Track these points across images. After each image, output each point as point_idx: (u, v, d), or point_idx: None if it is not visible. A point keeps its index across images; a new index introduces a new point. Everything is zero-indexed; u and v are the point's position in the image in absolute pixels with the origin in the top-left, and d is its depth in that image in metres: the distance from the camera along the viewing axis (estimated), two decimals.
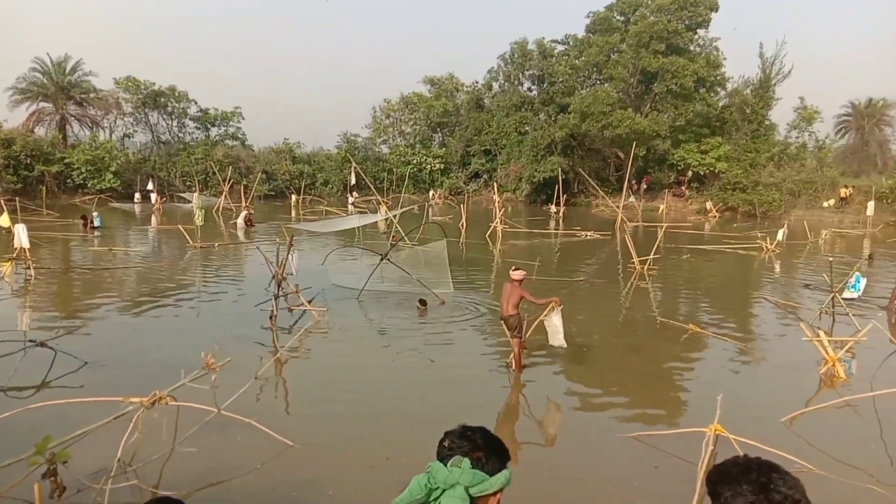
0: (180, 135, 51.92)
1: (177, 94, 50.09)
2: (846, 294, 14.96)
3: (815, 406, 8.65)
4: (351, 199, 41.08)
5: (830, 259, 15.06)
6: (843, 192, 39.24)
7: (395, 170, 51.43)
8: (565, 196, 39.80)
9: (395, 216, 24.55)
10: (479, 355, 10.98)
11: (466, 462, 2.04)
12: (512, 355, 9.88)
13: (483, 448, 2.09)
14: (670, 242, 25.86)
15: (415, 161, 52.18)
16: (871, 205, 36.67)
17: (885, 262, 22.96)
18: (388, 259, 15.88)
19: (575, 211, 41.45)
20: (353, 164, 34.94)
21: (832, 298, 13.60)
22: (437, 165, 52.82)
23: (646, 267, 19.36)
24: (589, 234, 28.80)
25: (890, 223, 35.49)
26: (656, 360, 11.23)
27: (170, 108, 50.52)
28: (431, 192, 49.03)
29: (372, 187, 31.55)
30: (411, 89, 56.71)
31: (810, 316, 13.88)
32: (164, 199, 39.33)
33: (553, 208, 38.79)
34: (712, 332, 12.62)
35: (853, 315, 12.84)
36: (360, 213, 34.13)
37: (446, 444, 2.12)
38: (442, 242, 17.19)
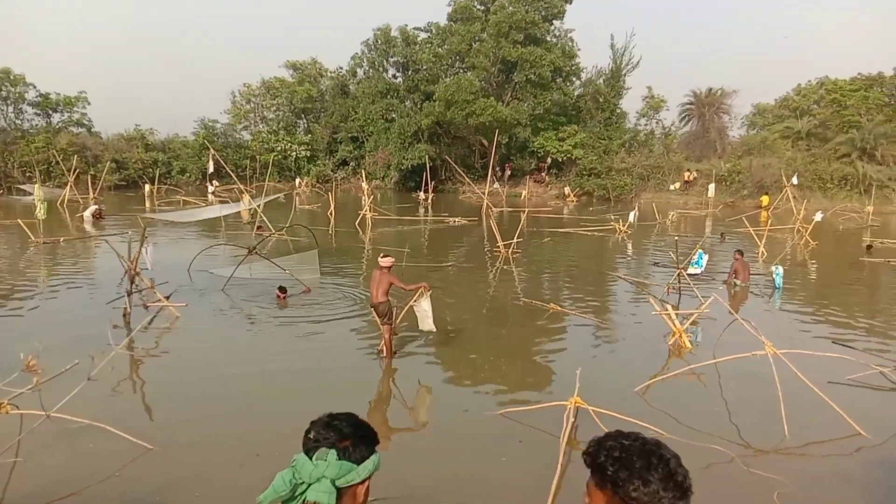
0: (18, 122, 47.51)
1: (12, 77, 45.67)
2: (691, 270, 16.20)
3: (664, 375, 9.32)
4: (211, 188, 39.31)
5: (676, 238, 16.26)
6: (687, 175, 42.42)
7: (258, 157, 49.72)
8: (433, 183, 40.23)
9: (259, 205, 23.77)
10: (350, 343, 10.92)
11: (333, 454, 1.96)
12: (382, 342, 9.90)
13: (350, 437, 2.02)
14: (533, 226, 26.87)
15: (279, 148, 50.66)
16: (711, 187, 40.03)
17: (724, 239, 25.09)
18: (256, 252, 15.42)
19: (443, 198, 42.02)
20: (212, 152, 33.36)
21: (678, 274, 14.68)
22: (303, 152, 51.63)
23: (510, 250, 19.98)
24: (457, 220, 29.29)
25: (728, 203, 38.84)
26: (522, 339, 11.67)
27: (4, 93, 46.03)
28: (298, 180, 47.89)
29: (233, 175, 30.34)
30: (273, 74, 55.13)
31: (659, 291, 14.91)
32: (2, 191, 35.80)
33: (422, 195, 39.09)
34: (572, 310, 13.27)
35: (697, 289, 13.92)
36: (222, 202, 32.73)
37: (312, 435, 2.03)
38: (313, 252, 16.95)
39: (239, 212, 28.21)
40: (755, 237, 21.62)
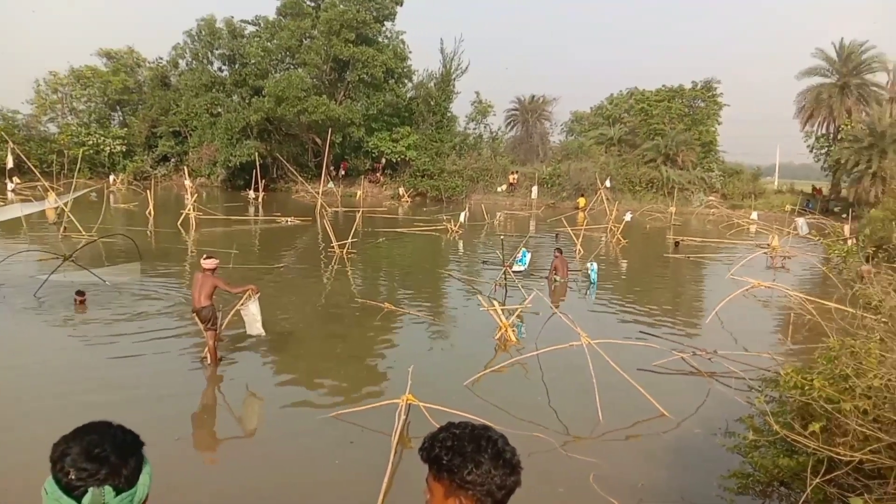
0: None
1: None
2: (515, 268, 17.01)
3: (491, 368, 9.69)
4: (11, 186, 35.25)
5: (502, 238, 16.95)
6: (512, 178, 44.57)
7: (66, 151, 45.36)
8: (264, 181, 38.95)
9: (66, 203, 21.69)
10: (171, 352, 10.20)
11: (108, 491, 1.61)
12: (206, 349, 9.39)
13: (118, 462, 1.64)
14: (368, 226, 26.88)
15: (90, 142, 46.54)
16: (535, 189, 42.38)
17: (546, 237, 26.58)
18: (73, 260, 14.12)
19: (275, 197, 40.80)
20: (11, 145, 30.03)
21: (504, 272, 15.35)
22: (118, 147, 47.85)
23: (345, 251, 19.84)
24: (289, 219, 28.56)
25: (549, 205, 41.31)
26: (357, 339, 11.61)
27: None
28: (112, 177, 44.31)
29: (36, 172, 27.47)
30: (83, 62, 50.67)
31: (488, 288, 15.51)
32: None
33: (252, 194, 37.73)
34: (407, 308, 13.42)
35: (521, 285, 14.62)
36: (24, 201, 29.49)
37: (73, 475, 1.59)
38: (135, 265, 15.79)
39: (43, 211, 25.55)
40: (573, 236, 23.14)
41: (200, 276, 9.21)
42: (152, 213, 25.09)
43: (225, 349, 9.95)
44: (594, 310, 14.66)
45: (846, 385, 4.49)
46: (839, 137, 40.88)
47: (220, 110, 46.52)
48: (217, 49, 49.00)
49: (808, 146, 46.36)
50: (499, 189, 44.25)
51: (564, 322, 9.82)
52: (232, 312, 10.18)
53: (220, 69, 49.97)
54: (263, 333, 9.67)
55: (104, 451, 1.63)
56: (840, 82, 42.18)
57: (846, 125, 39.96)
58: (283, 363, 9.98)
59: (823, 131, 44.57)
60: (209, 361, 9.35)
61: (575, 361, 9.10)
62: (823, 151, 44.40)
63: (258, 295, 9.54)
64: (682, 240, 25.58)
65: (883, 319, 5.05)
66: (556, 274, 16.79)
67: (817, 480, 4.03)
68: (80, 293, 12.52)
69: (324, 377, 9.47)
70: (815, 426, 4.02)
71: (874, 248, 15.31)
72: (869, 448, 3.93)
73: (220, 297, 9.71)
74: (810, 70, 43.67)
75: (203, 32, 48.35)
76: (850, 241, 16.99)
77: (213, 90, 47.43)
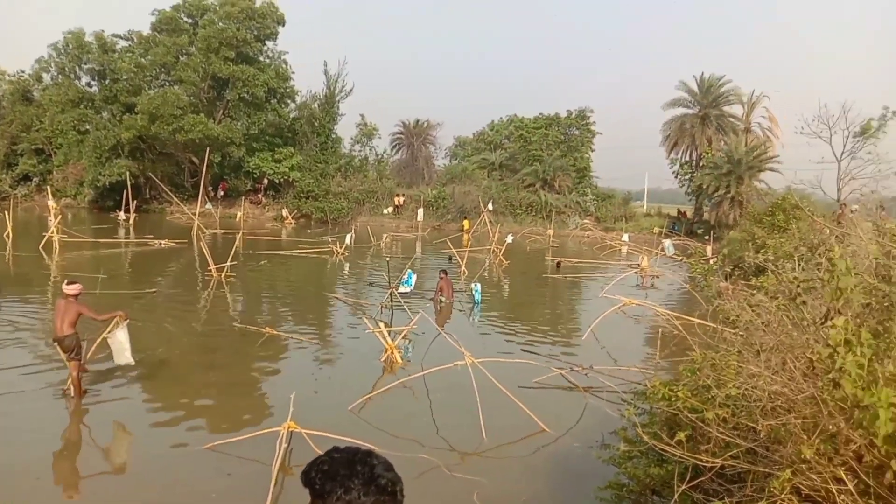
0: None
1: None
2: (401, 289, 17.04)
3: (377, 391, 9.61)
4: None
5: (388, 259, 16.93)
6: (398, 200, 44.82)
7: None
8: (136, 202, 36.98)
9: None
10: (29, 384, 9.35)
11: None
12: (70, 381, 8.72)
13: None
14: (249, 249, 26.10)
15: None
16: (420, 211, 42.86)
17: (432, 258, 26.80)
18: None
19: (148, 218, 38.80)
20: None
21: (390, 293, 15.33)
22: None
23: (224, 274, 19.13)
24: (163, 242, 27.22)
25: (435, 227, 41.83)
26: (237, 367, 11.16)
27: None
28: None
29: None
30: None
31: (375, 310, 15.42)
32: None
33: (122, 215, 35.73)
34: (290, 333, 13.08)
35: (407, 307, 14.64)
36: None
37: None
38: None
39: None
40: (457, 257, 23.50)
41: (63, 302, 8.57)
42: (11, 235, 23.21)
43: (90, 381, 9.27)
44: (478, 329, 14.90)
45: (708, 395, 4.80)
46: (701, 164, 43.96)
47: (88, 127, 43.96)
48: (86, 63, 46.24)
49: (673, 172, 49.54)
50: (385, 211, 44.35)
51: (450, 342, 9.91)
52: (98, 341, 9.54)
53: (88, 84, 47.21)
54: (133, 363, 9.11)
55: None
56: (701, 113, 45.61)
57: (707, 153, 43.09)
58: (154, 394, 9.42)
59: (687, 158, 47.83)
60: (73, 394, 8.68)
61: (460, 381, 9.18)
62: (687, 177, 47.52)
63: (127, 322, 8.99)
64: (562, 260, 26.56)
65: (739, 333, 5.42)
66: (441, 295, 16.95)
67: (684, 487, 4.26)
68: None
69: (200, 407, 9.03)
70: (681, 435, 4.25)
71: (732, 267, 16.60)
72: (729, 454, 4.19)
73: (84, 325, 9.07)
74: (674, 101, 46.96)
75: (70, 46, 45.52)
76: (711, 261, 18.32)
77: (81, 106, 44.75)
